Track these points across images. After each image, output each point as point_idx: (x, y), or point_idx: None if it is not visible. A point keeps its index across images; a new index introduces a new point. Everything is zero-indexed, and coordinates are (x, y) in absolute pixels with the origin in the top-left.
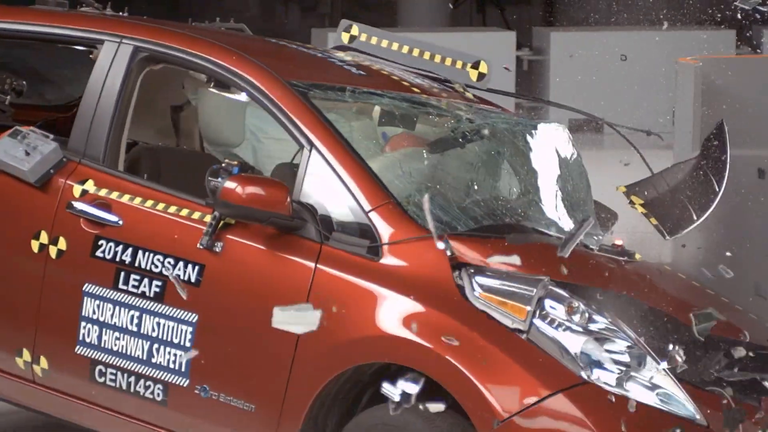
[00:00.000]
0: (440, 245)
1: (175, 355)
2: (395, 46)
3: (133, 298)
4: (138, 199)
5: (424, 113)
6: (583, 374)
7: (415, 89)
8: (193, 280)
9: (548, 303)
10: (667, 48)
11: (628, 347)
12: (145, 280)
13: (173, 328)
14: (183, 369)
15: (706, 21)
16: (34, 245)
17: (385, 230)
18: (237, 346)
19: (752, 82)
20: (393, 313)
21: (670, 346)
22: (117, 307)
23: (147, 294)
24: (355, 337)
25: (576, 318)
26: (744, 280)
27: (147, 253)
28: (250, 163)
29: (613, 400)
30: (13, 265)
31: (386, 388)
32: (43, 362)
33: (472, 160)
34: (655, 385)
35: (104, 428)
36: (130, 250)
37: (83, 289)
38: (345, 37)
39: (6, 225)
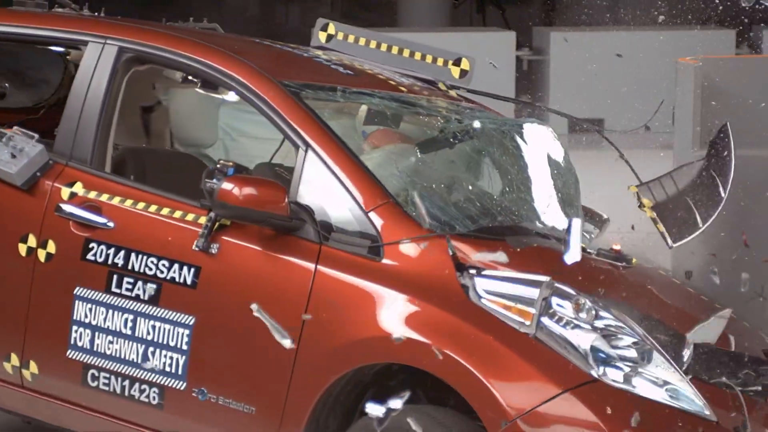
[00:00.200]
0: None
1: (171, 358)
2: (373, 44)
3: (127, 301)
4: (129, 201)
5: (414, 113)
6: (593, 372)
7: (402, 88)
8: (189, 282)
9: (555, 301)
10: (667, 48)
11: (635, 343)
12: (139, 283)
13: (169, 330)
14: (180, 372)
15: (706, 21)
16: (22, 249)
17: (385, 230)
18: (236, 348)
19: (752, 82)
20: (397, 313)
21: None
22: (110, 311)
23: (141, 297)
24: (360, 337)
25: (583, 315)
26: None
27: (140, 256)
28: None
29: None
30: (0, 269)
31: (370, 408)
32: (33, 367)
33: (456, 157)
34: (663, 381)
35: None
36: (122, 253)
37: (74, 292)
38: (322, 36)
39: None
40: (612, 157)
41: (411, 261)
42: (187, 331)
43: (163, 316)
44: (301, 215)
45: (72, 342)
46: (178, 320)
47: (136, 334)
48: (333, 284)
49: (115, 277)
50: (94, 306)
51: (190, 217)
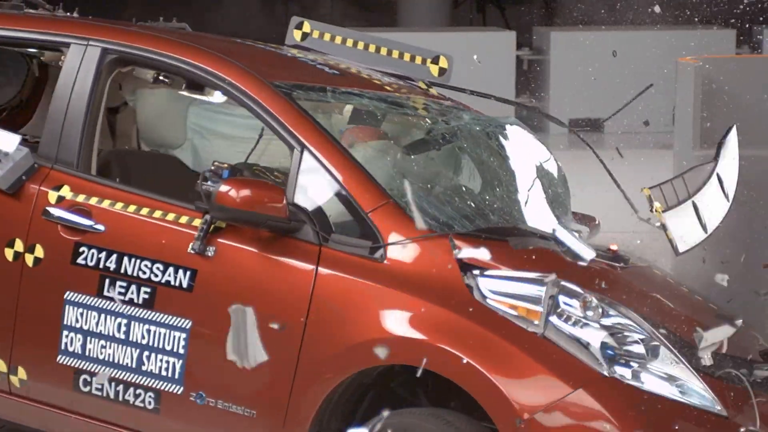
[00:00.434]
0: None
1: (167, 362)
2: (350, 42)
3: (120, 305)
4: (119, 204)
5: (403, 114)
6: (603, 369)
7: (388, 88)
8: (185, 285)
9: (562, 299)
10: (667, 48)
11: (642, 339)
12: (133, 287)
13: (165, 334)
14: (177, 376)
15: (706, 21)
16: (8, 253)
17: (386, 231)
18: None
19: (752, 82)
20: (404, 314)
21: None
22: (102, 315)
23: (135, 301)
24: (365, 339)
25: (590, 313)
26: (745, 282)
27: (133, 259)
28: (190, 163)
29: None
30: None
31: None
32: (21, 372)
33: (435, 154)
34: (673, 377)
35: None
36: (114, 257)
37: (64, 297)
38: (297, 35)
39: None
40: (611, 157)
41: (414, 262)
42: (183, 335)
43: (158, 319)
44: (300, 217)
45: (62, 347)
46: (175, 324)
47: (130, 339)
48: (335, 286)
49: (107, 281)
50: (85, 310)
51: (183, 219)
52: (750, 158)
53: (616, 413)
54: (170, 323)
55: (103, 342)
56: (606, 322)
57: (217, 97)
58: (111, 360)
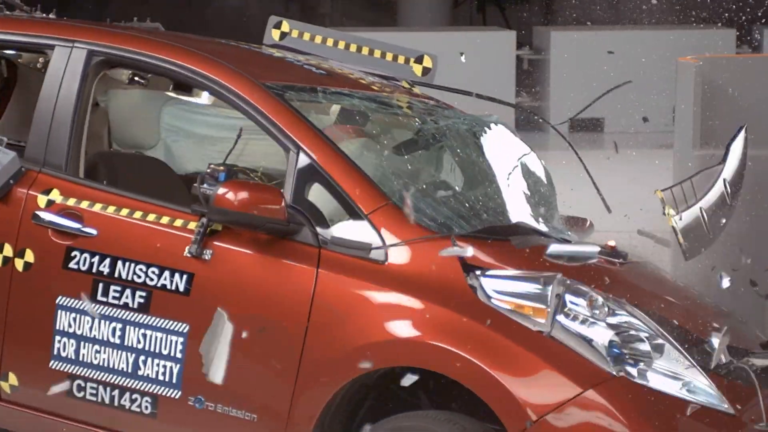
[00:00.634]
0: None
1: (165, 366)
2: (330, 42)
3: (115, 309)
4: (111, 208)
5: (392, 113)
6: (612, 369)
7: (375, 87)
8: (181, 289)
9: (569, 298)
10: (667, 47)
11: (648, 337)
12: (127, 291)
13: (162, 339)
14: (174, 380)
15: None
16: None
17: (387, 232)
18: (235, 355)
19: (752, 81)
20: (408, 316)
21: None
22: (96, 320)
23: (130, 305)
24: (368, 342)
25: (597, 312)
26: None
27: (127, 263)
28: (165, 162)
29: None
30: None
31: None
32: (12, 378)
33: (423, 155)
34: (679, 375)
35: None
36: (108, 261)
37: (57, 302)
38: (275, 34)
39: None
40: (613, 157)
41: (417, 262)
42: (181, 339)
43: (154, 324)
44: (298, 219)
45: (55, 352)
46: (172, 328)
47: (126, 343)
48: (336, 288)
49: (101, 285)
50: (78, 315)
51: (178, 222)
52: (750, 158)
53: (626, 413)
54: (167, 327)
55: (97, 347)
56: (612, 320)
57: (204, 98)
58: (106, 365)
